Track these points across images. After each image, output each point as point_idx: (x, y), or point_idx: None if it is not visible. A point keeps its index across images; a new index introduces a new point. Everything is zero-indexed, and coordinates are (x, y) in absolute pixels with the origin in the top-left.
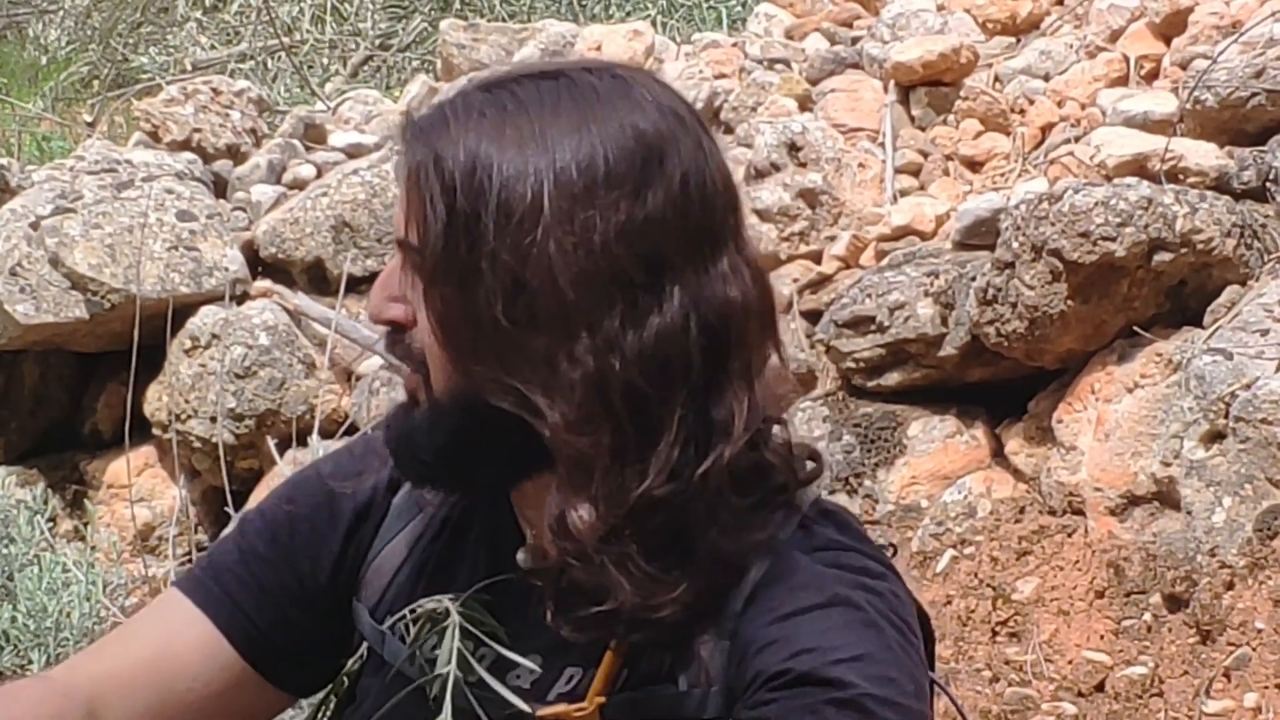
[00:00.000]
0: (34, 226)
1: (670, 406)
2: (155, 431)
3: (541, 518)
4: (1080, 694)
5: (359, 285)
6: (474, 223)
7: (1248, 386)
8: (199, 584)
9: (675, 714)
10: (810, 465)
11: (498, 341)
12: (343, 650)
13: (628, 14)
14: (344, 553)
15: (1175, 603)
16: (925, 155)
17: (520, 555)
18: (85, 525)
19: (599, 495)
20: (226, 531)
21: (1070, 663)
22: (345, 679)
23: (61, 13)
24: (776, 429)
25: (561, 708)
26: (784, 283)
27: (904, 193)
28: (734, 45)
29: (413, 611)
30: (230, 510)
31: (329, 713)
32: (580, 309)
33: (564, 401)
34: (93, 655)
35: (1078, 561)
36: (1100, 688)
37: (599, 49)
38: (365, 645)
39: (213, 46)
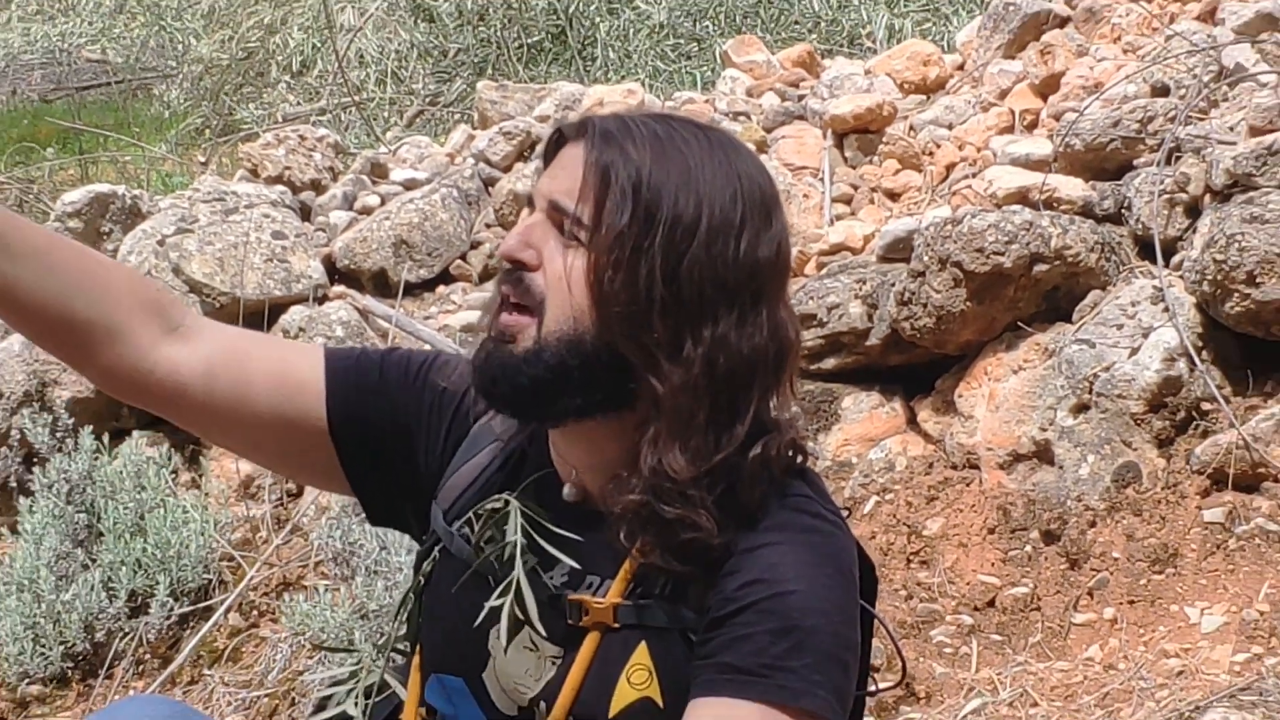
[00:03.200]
0: (160, 243)
1: (748, 399)
2: None
3: (584, 459)
4: (976, 609)
5: (414, 290)
6: (650, 219)
7: (1107, 369)
8: (345, 355)
9: (669, 622)
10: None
11: (648, 308)
12: (390, 482)
13: (623, 77)
14: (418, 427)
15: (1050, 537)
16: (855, 188)
17: (567, 490)
18: (200, 477)
19: (691, 449)
20: (380, 348)
21: (968, 584)
22: (423, 578)
23: (181, 76)
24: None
25: (587, 597)
26: None
27: (839, 217)
28: (706, 101)
29: (477, 511)
30: None
31: (411, 604)
32: (711, 304)
33: (682, 369)
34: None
35: (974, 505)
36: (991, 604)
37: (601, 104)
38: (439, 547)
39: (299, 103)
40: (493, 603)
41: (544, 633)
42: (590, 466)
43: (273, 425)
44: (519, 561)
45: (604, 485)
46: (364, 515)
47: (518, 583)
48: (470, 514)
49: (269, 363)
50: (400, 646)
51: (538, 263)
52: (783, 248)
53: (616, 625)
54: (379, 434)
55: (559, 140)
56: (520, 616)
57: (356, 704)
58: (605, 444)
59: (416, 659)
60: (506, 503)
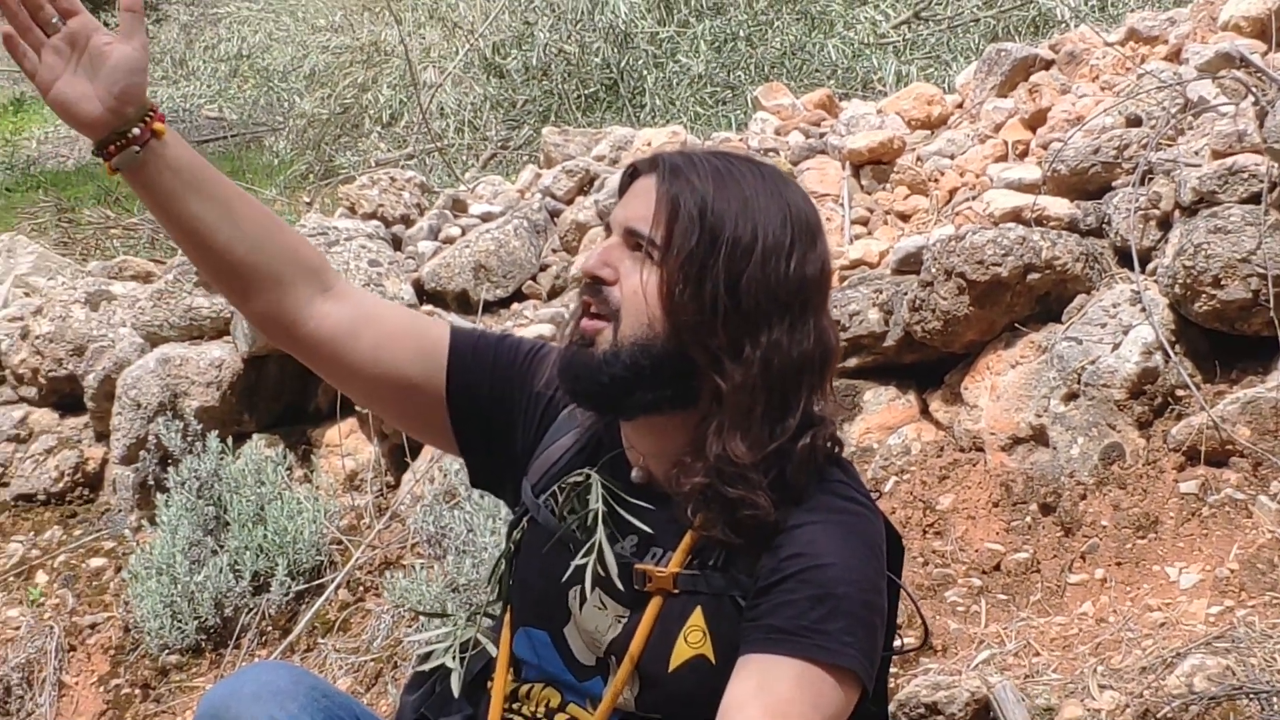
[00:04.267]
0: None
1: (798, 396)
2: (357, 408)
3: (651, 447)
4: (984, 572)
5: (491, 307)
6: (714, 241)
7: (1093, 362)
8: (467, 334)
9: (721, 589)
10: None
11: (713, 317)
12: (492, 450)
13: (668, 121)
14: (519, 407)
15: (1047, 509)
16: (871, 211)
17: (635, 473)
18: (311, 472)
19: (750, 438)
20: (497, 332)
21: (976, 551)
22: (513, 545)
23: (287, 129)
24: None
25: (650, 566)
26: None
27: (857, 237)
28: (740, 139)
29: (561, 485)
30: (409, 460)
31: (505, 567)
32: (766, 314)
33: (743, 369)
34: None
35: (980, 483)
36: (997, 568)
37: (649, 144)
38: (526, 518)
39: (389, 150)
40: (578, 561)
41: (621, 587)
42: (656, 453)
43: (398, 385)
44: (600, 526)
45: (668, 470)
46: (467, 478)
47: (600, 544)
48: (555, 487)
49: (403, 331)
50: (491, 610)
51: (615, 278)
52: (826, 266)
53: (676, 591)
54: (487, 407)
55: (633, 174)
56: (602, 573)
57: (454, 658)
58: (670, 435)
59: (507, 617)
60: (588, 476)
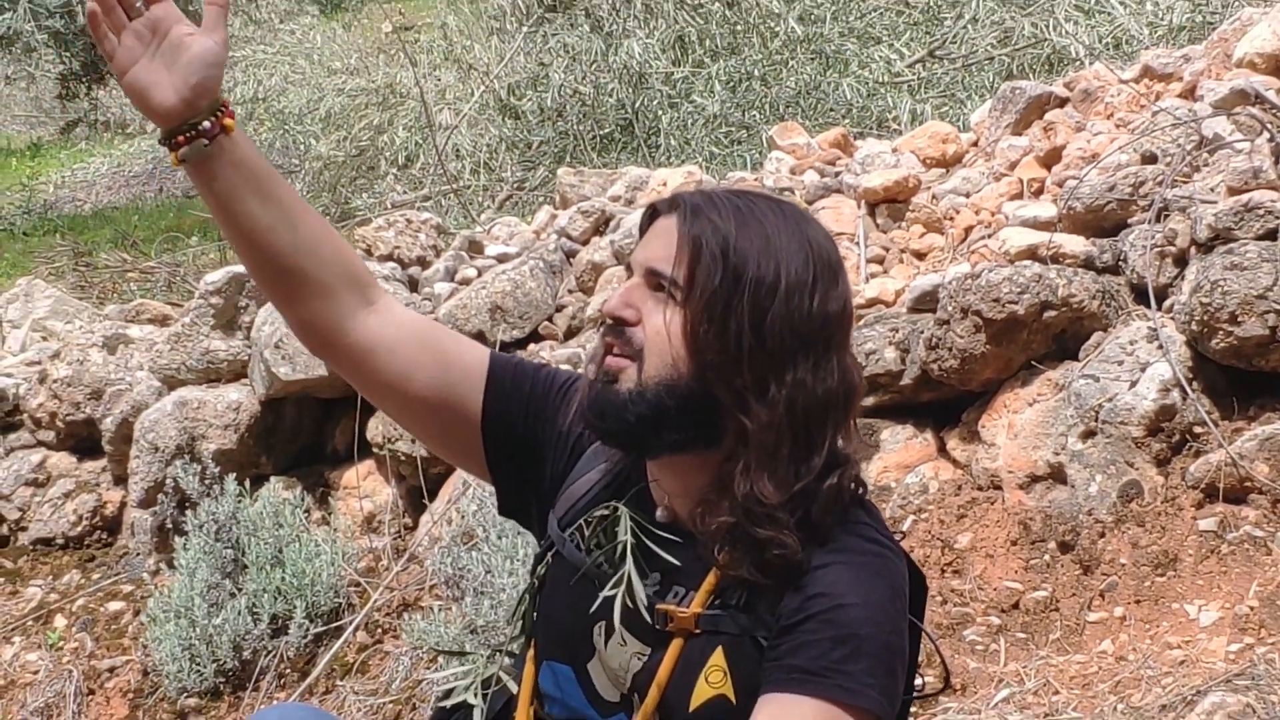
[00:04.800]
0: None
1: (823, 435)
2: (374, 450)
3: (675, 486)
4: (1002, 611)
5: (508, 348)
6: (737, 280)
7: (1110, 400)
8: (507, 360)
9: (742, 629)
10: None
11: (738, 356)
12: (522, 479)
13: (683, 161)
14: (550, 440)
15: (1065, 547)
16: (887, 250)
17: (660, 512)
18: (329, 514)
19: (777, 478)
20: (538, 360)
21: (995, 590)
22: (537, 580)
23: (303, 172)
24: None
25: (672, 606)
26: None
27: (873, 275)
28: (755, 179)
29: (587, 518)
30: (426, 502)
31: (529, 601)
32: (790, 353)
33: (768, 409)
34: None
35: (998, 521)
36: (1016, 606)
37: (665, 184)
38: (551, 552)
39: (405, 191)
40: (607, 593)
41: (649, 620)
42: (680, 492)
43: (433, 404)
44: (629, 558)
45: (692, 509)
46: (496, 504)
47: (629, 575)
48: (581, 521)
49: (442, 351)
50: (512, 648)
51: (638, 319)
52: (848, 303)
53: (698, 631)
54: (519, 436)
55: (653, 214)
56: (630, 605)
57: (476, 694)
58: (693, 474)
59: (531, 651)
60: (616, 509)
